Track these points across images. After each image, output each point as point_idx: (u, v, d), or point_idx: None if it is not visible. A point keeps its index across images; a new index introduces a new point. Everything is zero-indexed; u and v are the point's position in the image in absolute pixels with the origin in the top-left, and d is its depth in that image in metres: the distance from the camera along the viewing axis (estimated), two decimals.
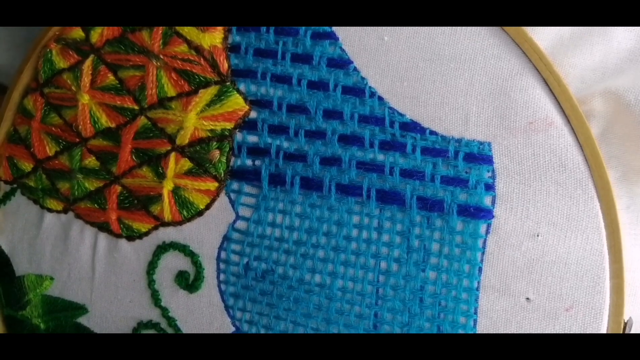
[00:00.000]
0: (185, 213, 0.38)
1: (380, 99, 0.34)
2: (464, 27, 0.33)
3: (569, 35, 0.33)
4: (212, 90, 0.37)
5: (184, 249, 0.39)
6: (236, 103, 0.37)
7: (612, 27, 0.33)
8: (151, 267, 0.39)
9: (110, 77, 0.39)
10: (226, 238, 0.38)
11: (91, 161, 0.40)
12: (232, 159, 0.37)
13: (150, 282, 0.39)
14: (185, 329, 0.39)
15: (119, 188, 0.40)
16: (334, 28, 0.35)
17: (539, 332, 0.32)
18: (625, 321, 0.31)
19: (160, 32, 0.38)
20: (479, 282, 0.33)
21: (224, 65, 0.37)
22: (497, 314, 0.32)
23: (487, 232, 0.32)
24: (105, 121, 0.40)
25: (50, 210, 0.42)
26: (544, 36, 0.33)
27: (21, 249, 0.43)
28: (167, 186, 0.38)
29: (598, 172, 0.31)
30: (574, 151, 0.31)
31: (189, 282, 0.39)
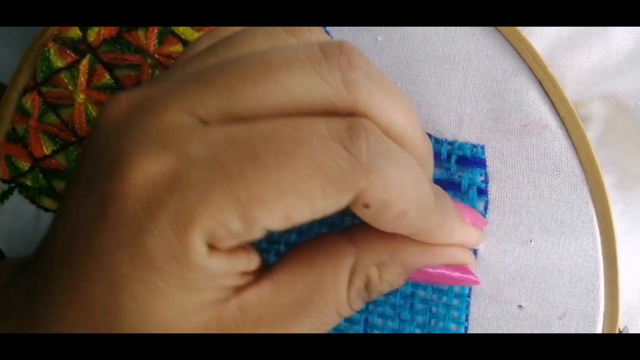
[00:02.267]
0: None
1: None
2: (458, 28, 0.32)
3: (567, 36, 0.32)
4: None
5: None
6: None
7: (611, 29, 0.32)
8: None
9: (107, 77, 0.39)
10: None
11: None
12: None
13: None
14: None
15: None
16: (328, 28, 0.35)
17: None
18: (621, 330, 0.30)
19: (156, 31, 0.38)
20: (470, 289, 0.32)
21: None
22: (489, 322, 0.32)
23: None
24: None
25: (46, 209, 0.42)
26: (541, 37, 0.32)
27: (18, 248, 0.43)
28: None
29: (593, 177, 0.30)
30: (569, 155, 0.30)
31: None
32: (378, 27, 0.34)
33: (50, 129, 0.41)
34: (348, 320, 0.34)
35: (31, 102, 0.41)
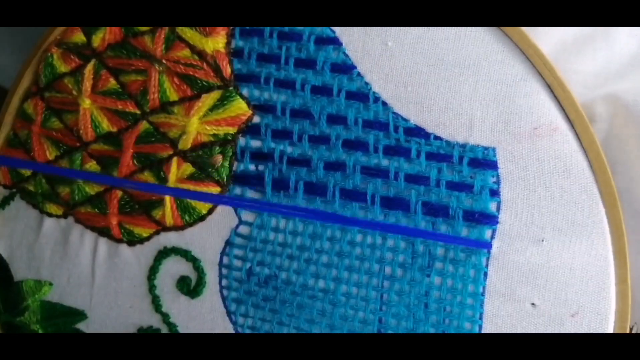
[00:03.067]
0: (187, 218, 0.38)
1: (384, 104, 0.34)
2: (468, 33, 0.33)
3: (572, 40, 0.33)
4: (215, 95, 0.37)
5: (185, 254, 0.38)
6: (239, 108, 0.37)
7: (615, 33, 0.33)
8: (152, 272, 0.39)
9: (112, 82, 0.39)
10: (229, 243, 0.37)
11: (92, 165, 0.40)
12: (235, 163, 0.37)
13: (151, 288, 0.39)
14: None
15: (119, 192, 0.39)
16: (338, 33, 0.35)
17: None
18: (631, 327, 0.31)
19: (163, 36, 0.38)
20: (484, 287, 0.33)
21: (226, 70, 0.37)
22: (502, 320, 0.32)
23: (492, 237, 0.32)
24: (106, 125, 0.39)
25: (49, 214, 0.42)
26: (546, 41, 0.33)
27: (20, 254, 0.43)
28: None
29: (603, 177, 0.31)
30: (579, 156, 0.31)
31: (190, 287, 0.38)
32: (388, 33, 0.34)
33: (54, 134, 0.41)
34: (361, 321, 0.35)
35: (33, 107, 0.41)
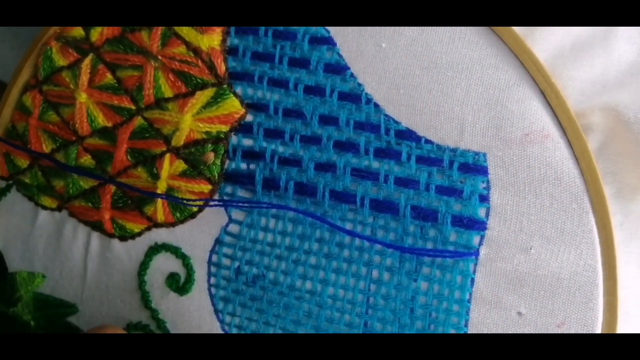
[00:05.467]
0: (178, 215, 0.38)
1: (377, 106, 0.34)
2: (462, 37, 0.32)
3: (570, 46, 0.33)
4: (209, 92, 0.37)
5: (175, 251, 0.38)
6: (232, 106, 0.37)
7: (613, 40, 0.32)
8: (142, 268, 0.39)
9: (109, 77, 0.39)
10: (218, 241, 0.37)
11: (87, 160, 0.40)
12: (227, 162, 0.37)
13: (141, 283, 0.39)
14: (175, 332, 0.39)
15: (113, 187, 0.39)
16: (332, 33, 0.35)
17: None
18: None
19: (159, 32, 0.38)
20: (470, 294, 0.32)
21: (221, 68, 0.37)
22: (488, 328, 0.32)
23: (480, 243, 0.32)
24: (102, 120, 0.39)
25: (44, 207, 0.42)
26: (543, 47, 0.33)
27: (14, 245, 0.43)
28: (161, 187, 0.38)
29: (594, 187, 0.30)
30: (570, 164, 0.31)
31: (179, 284, 0.38)
32: (382, 34, 0.34)
33: (51, 127, 0.41)
34: (347, 324, 0.35)
35: (32, 100, 0.41)
